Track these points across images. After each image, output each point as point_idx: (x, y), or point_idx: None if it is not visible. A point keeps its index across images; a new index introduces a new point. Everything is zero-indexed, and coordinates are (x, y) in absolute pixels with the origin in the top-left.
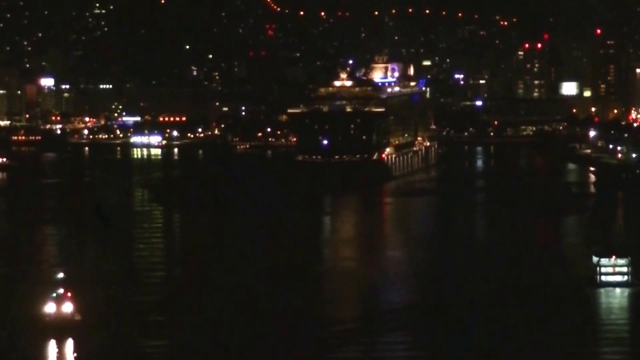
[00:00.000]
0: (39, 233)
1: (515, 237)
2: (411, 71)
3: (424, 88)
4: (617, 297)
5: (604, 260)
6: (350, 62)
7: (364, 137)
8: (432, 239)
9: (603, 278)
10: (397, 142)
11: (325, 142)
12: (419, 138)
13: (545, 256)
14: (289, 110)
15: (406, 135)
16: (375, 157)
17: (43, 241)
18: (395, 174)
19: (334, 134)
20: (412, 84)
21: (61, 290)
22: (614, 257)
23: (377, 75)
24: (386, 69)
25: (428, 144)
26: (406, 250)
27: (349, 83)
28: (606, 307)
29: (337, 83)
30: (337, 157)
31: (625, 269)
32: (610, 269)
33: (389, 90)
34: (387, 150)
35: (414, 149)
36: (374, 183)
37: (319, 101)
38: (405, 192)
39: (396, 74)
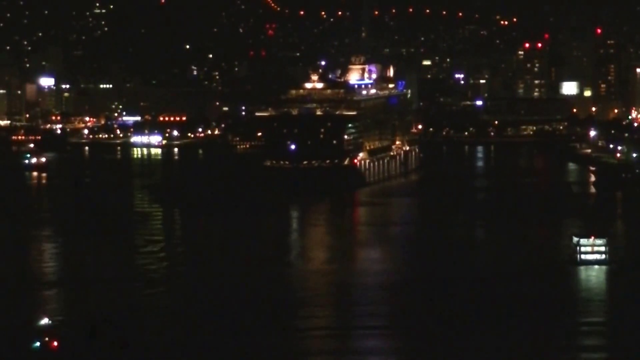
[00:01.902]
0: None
1: (503, 229)
2: (391, 73)
3: (404, 90)
4: (595, 274)
5: (583, 241)
6: (323, 63)
7: (334, 141)
8: (407, 239)
9: (583, 257)
10: (371, 147)
11: (292, 146)
12: (397, 142)
13: (531, 240)
14: (257, 114)
15: (382, 139)
16: (346, 162)
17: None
18: (369, 180)
19: (302, 138)
20: (391, 86)
21: (46, 339)
22: (592, 237)
23: (353, 77)
24: (363, 70)
25: (407, 148)
26: (380, 250)
27: (320, 85)
28: (585, 282)
29: (308, 85)
30: (305, 162)
31: (602, 249)
32: (589, 249)
33: (364, 92)
34: (360, 155)
35: (391, 153)
36: (345, 189)
37: (289, 104)
38: (382, 195)
39: (374, 76)
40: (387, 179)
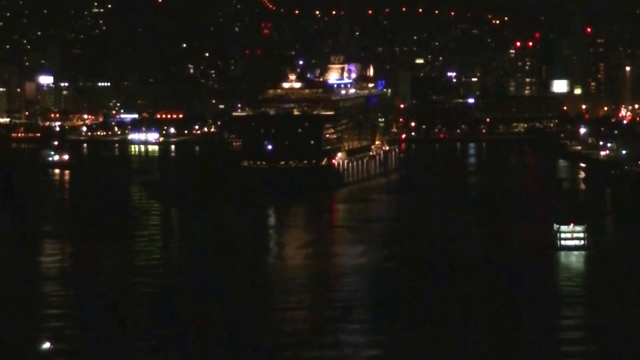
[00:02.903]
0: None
1: (487, 221)
2: (371, 72)
3: (384, 90)
4: (574, 259)
5: (563, 227)
6: (301, 62)
7: (312, 141)
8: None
9: (562, 242)
10: (349, 147)
11: (269, 146)
12: (377, 142)
13: (514, 230)
14: (234, 114)
15: (362, 139)
16: (324, 162)
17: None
18: (347, 181)
19: (279, 138)
20: (370, 85)
21: None
22: (572, 224)
23: (332, 77)
24: (342, 69)
25: (387, 148)
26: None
27: (298, 85)
28: (564, 267)
29: (286, 85)
30: (282, 162)
31: (581, 235)
32: (568, 235)
33: (343, 92)
34: (339, 155)
35: (371, 153)
36: (323, 189)
37: (266, 104)
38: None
39: (353, 75)
40: (366, 179)
